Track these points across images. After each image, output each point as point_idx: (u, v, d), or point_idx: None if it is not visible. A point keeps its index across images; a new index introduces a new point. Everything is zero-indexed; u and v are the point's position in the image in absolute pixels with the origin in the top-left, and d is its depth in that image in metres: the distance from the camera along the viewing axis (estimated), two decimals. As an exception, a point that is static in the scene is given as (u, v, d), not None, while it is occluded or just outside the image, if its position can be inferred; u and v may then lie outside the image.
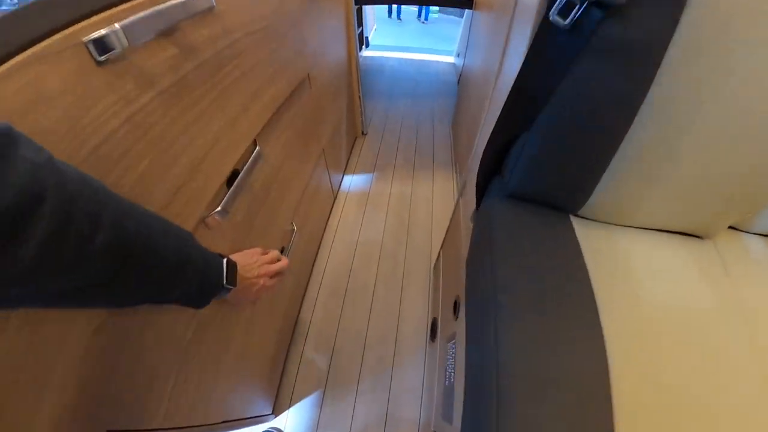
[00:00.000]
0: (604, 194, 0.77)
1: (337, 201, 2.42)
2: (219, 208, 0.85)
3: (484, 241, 0.79)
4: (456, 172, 2.63)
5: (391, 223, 2.31)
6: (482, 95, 1.60)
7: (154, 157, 0.60)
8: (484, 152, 0.92)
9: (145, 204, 0.50)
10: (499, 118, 0.84)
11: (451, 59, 4.71)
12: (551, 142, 0.74)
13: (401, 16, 8.45)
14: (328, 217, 2.22)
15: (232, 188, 0.92)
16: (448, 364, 1.20)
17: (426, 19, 8.33)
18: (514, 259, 0.72)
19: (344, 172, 2.64)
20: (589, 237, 0.80)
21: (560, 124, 0.71)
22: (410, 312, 1.88)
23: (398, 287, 1.99)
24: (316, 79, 1.64)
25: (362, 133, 3.09)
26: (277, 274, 0.83)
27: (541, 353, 0.59)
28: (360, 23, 4.08)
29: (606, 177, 0.74)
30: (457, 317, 1.12)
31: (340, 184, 2.51)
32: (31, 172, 0.27)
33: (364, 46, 5.23)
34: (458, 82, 3.51)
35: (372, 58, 4.98)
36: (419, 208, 2.47)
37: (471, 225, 1.12)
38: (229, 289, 0.64)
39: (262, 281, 0.77)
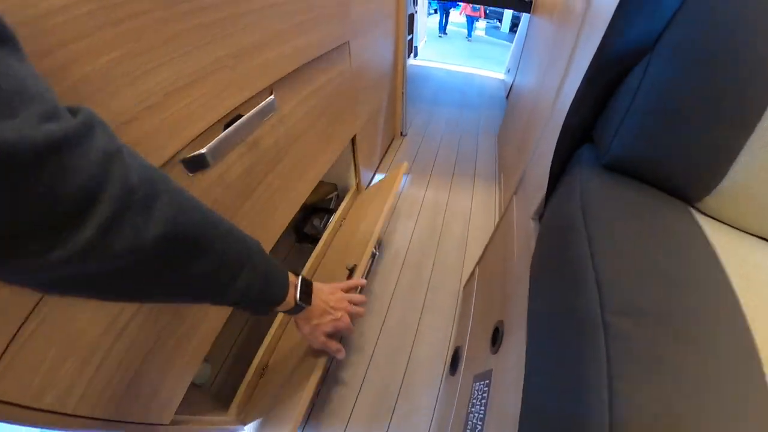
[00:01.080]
0: (745, 172, 0.49)
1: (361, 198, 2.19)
2: (204, 150, 0.64)
3: (573, 232, 0.51)
4: (499, 187, 2.36)
5: (419, 232, 2.07)
6: (543, 99, 1.36)
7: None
8: (572, 108, 0.66)
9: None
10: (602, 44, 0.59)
11: (500, 75, 4.60)
12: (678, 81, 0.48)
13: (446, 30, 8.40)
14: (347, 213, 1.98)
15: (226, 131, 0.70)
16: (473, 409, 0.91)
17: (469, 36, 8.20)
18: (628, 259, 0.44)
19: (376, 171, 2.42)
20: (725, 242, 0.51)
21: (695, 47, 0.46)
22: (428, 335, 1.59)
23: (418, 304, 1.71)
24: (357, 56, 1.51)
25: (401, 134, 2.90)
26: (354, 315, 0.84)
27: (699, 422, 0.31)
28: (410, 31, 3.95)
29: (755, 140, 0.46)
30: (496, 350, 0.84)
31: (369, 182, 2.29)
32: (101, 160, 0.31)
33: (412, 55, 5.10)
34: (507, 97, 3.43)
35: (419, 66, 4.87)
36: (454, 220, 2.20)
37: (533, 225, 0.85)
38: (302, 307, 0.70)
39: (339, 314, 0.79)
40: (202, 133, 0.67)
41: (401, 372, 1.46)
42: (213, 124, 0.70)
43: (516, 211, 1.10)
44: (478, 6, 7.93)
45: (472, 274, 1.61)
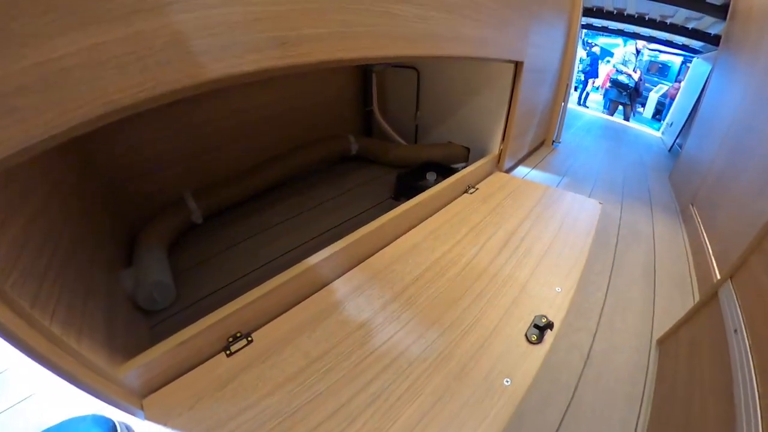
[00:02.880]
0: None
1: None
2: None
3: None
4: (689, 224, 1.78)
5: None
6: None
7: None
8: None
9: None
10: None
11: (654, 133, 4.39)
12: None
13: (586, 103, 7.47)
14: (479, 181, 1.45)
15: None
16: None
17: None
18: None
19: (518, 162, 1.97)
20: None
21: None
22: (597, 403, 0.91)
23: (582, 351, 1.05)
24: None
25: (553, 142, 2.49)
26: None
27: None
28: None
29: None
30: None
31: (509, 170, 1.78)
32: None
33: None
34: (670, 150, 3.35)
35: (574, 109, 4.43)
36: (635, 243, 1.58)
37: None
38: None
39: None
40: None
41: None
42: None
43: None
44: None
45: (675, 332, 0.93)
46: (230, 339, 0.69)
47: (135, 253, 1.00)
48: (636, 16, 3.98)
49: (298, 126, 1.56)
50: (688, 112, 3.17)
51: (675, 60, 6.41)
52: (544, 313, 0.77)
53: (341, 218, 1.29)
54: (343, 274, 0.85)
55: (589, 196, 1.80)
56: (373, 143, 1.69)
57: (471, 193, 1.27)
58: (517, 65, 1.46)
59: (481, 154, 1.59)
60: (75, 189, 0.83)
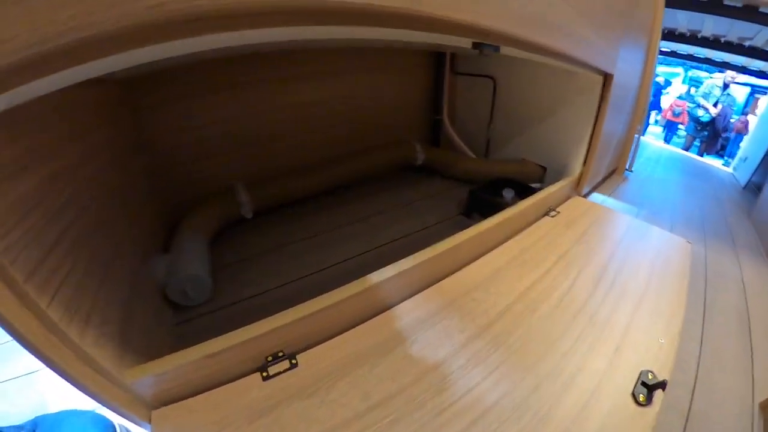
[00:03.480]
0: None
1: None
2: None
3: None
4: None
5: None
6: None
7: None
8: None
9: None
10: None
11: (725, 168, 4.09)
12: None
13: (645, 133, 6.92)
14: (559, 203, 1.27)
15: None
16: None
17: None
18: None
19: (592, 189, 1.79)
20: None
21: None
22: None
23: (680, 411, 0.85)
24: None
25: (626, 170, 2.29)
26: None
27: None
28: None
29: None
30: None
31: (587, 196, 1.61)
32: None
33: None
34: (744, 187, 3.14)
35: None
36: (723, 287, 1.37)
37: None
38: None
39: None
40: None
41: None
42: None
43: None
44: (680, 110, 6.36)
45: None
46: (269, 358, 0.56)
47: (173, 240, 0.90)
48: (711, 38, 3.67)
49: (363, 127, 1.46)
50: (767, 147, 3.00)
51: (739, 91, 5.86)
52: (649, 368, 0.64)
53: (404, 231, 1.14)
54: (411, 296, 0.70)
55: (671, 232, 1.64)
56: (440, 154, 1.56)
57: (552, 217, 1.09)
58: (606, 78, 1.29)
59: (557, 176, 1.42)
60: (117, 159, 0.75)
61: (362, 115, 1.45)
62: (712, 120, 4.42)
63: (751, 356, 1.08)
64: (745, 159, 3.54)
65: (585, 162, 1.39)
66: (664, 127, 6.42)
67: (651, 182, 2.51)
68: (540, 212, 1.09)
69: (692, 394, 0.94)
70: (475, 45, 0.67)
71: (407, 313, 0.66)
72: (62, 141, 0.53)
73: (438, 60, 1.59)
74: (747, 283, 1.48)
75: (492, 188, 1.20)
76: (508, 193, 1.13)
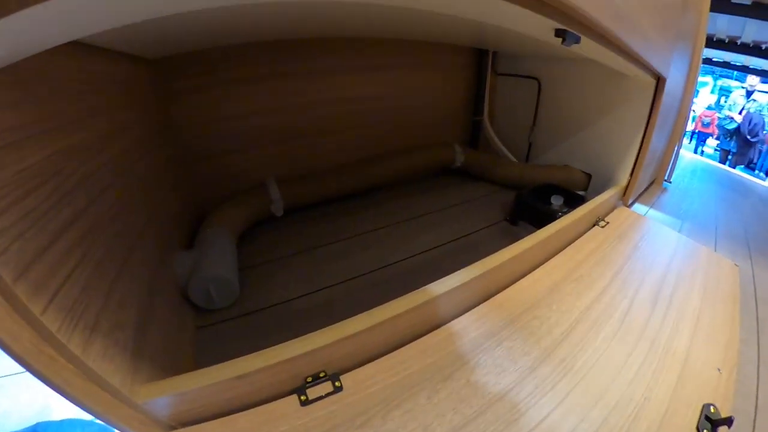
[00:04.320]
0: None
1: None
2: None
3: None
4: None
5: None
6: None
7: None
8: None
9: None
10: None
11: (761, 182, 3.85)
12: None
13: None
14: (606, 214, 1.20)
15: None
16: None
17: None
18: None
19: (635, 199, 1.70)
20: None
21: None
22: None
23: None
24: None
25: (665, 180, 2.20)
26: None
27: None
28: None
29: None
30: None
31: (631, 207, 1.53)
32: None
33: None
34: None
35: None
36: None
37: None
38: None
39: None
40: None
41: None
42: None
43: None
44: (708, 120, 6.12)
45: None
46: (309, 379, 0.50)
47: (199, 236, 0.85)
48: (752, 44, 3.52)
49: (404, 125, 1.42)
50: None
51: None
52: (710, 400, 0.59)
53: (447, 237, 1.07)
54: (466, 311, 0.64)
55: (715, 248, 1.57)
56: (481, 157, 1.50)
57: (602, 227, 1.02)
58: (659, 82, 1.22)
59: (602, 184, 1.34)
60: (141, 144, 0.70)
61: (404, 113, 1.40)
62: (738, 128, 4.30)
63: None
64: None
65: (633, 171, 1.32)
66: (693, 137, 6.24)
67: (690, 194, 2.44)
68: (590, 222, 1.02)
69: (754, 423, 0.86)
70: (558, 33, 0.62)
71: (464, 330, 0.60)
72: (81, 114, 0.48)
73: (480, 59, 1.53)
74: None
75: (538, 194, 1.13)
76: (556, 200, 1.06)
